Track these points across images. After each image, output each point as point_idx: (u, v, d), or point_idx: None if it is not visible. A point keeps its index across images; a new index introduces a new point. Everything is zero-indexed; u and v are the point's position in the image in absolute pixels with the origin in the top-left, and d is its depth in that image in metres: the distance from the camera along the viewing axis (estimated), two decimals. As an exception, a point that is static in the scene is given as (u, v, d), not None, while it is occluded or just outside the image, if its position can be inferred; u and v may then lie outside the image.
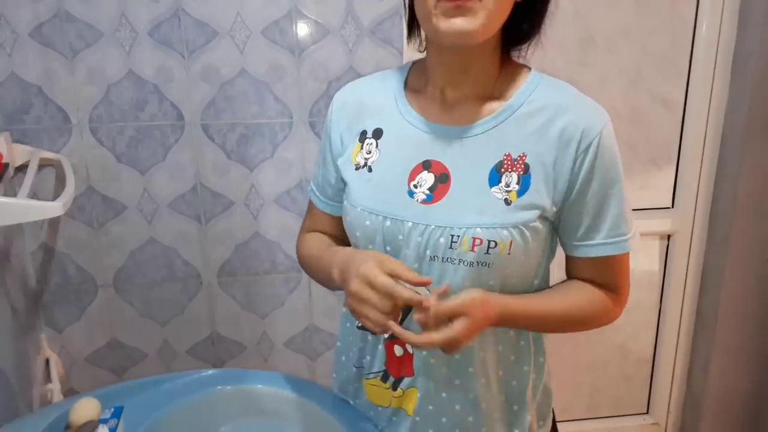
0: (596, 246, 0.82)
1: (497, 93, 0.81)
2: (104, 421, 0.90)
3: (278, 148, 1.51)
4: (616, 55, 1.62)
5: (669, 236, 1.81)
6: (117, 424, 0.90)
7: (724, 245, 1.71)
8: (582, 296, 0.85)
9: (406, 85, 0.87)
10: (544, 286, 0.88)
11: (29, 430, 0.93)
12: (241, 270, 1.58)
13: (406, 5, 0.85)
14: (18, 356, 1.29)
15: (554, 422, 0.98)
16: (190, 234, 1.54)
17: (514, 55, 0.84)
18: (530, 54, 0.84)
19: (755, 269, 1.71)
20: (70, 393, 1.56)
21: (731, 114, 1.66)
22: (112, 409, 0.93)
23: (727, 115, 1.68)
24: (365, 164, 0.85)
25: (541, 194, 0.77)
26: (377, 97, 0.88)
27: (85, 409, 0.89)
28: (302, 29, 1.44)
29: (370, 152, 0.85)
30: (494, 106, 0.80)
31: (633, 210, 1.94)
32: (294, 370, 1.67)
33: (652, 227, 1.79)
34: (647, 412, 1.99)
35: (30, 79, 1.37)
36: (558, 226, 0.83)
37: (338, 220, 0.92)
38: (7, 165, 1.27)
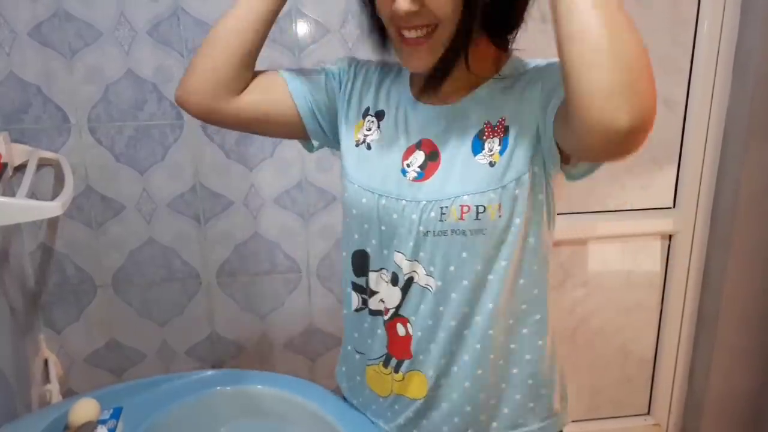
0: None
1: (481, 74, 0.81)
2: (103, 422, 0.90)
3: (278, 147, 1.50)
4: (617, 55, 1.62)
5: (670, 236, 1.80)
6: (116, 425, 0.90)
7: (726, 245, 1.71)
8: None
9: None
10: (543, 264, 0.84)
11: (28, 430, 0.92)
12: (240, 270, 1.58)
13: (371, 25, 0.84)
14: (17, 357, 1.29)
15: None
16: (189, 234, 1.53)
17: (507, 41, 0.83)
18: (525, 53, 0.83)
19: (757, 269, 1.71)
20: (69, 394, 1.56)
21: (733, 113, 1.66)
22: (111, 410, 0.93)
23: (728, 114, 1.67)
24: (364, 140, 0.87)
25: (521, 147, 0.77)
26: (386, 77, 0.90)
27: (84, 409, 0.89)
28: (302, 28, 1.44)
29: (370, 129, 0.87)
30: (478, 84, 0.81)
31: (634, 210, 1.94)
32: (293, 370, 1.67)
33: (654, 227, 1.78)
34: (648, 413, 1.98)
35: (29, 79, 1.37)
36: (552, 148, 0.77)
37: (289, 101, 0.89)
38: (5, 165, 1.26)
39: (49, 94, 1.38)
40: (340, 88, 0.92)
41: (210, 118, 0.88)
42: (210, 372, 1.07)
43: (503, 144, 0.77)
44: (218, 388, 1.02)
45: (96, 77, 1.39)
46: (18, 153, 1.33)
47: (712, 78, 1.66)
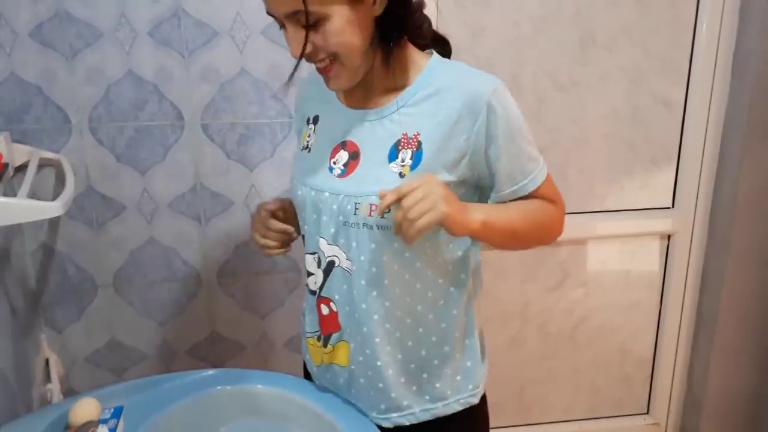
0: (519, 188, 0.90)
1: (403, 81, 0.91)
2: (104, 422, 0.90)
3: (278, 148, 1.50)
4: (616, 55, 1.62)
5: (669, 236, 1.81)
6: (117, 425, 0.90)
7: (725, 245, 1.71)
8: (532, 203, 0.92)
9: None
10: (462, 258, 0.95)
11: (29, 430, 0.93)
12: (240, 270, 1.58)
13: None
14: (18, 356, 1.29)
15: (484, 401, 1.03)
16: (190, 234, 1.53)
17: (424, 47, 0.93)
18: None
19: (756, 269, 1.71)
20: (70, 393, 1.56)
21: (731, 114, 1.66)
22: (112, 410, 0.93)
23: (727, 114, 1.67)
24: (307, 145, 0.99)
25: (432, 167, 0.86)
26: (321, 86, 0.97)
27: (85, 409, 0.89)
28: (302, 29, 1.44)
29: (310, 135, 1.00)
30: (400, 92, 0.91)
31: (632, 210, 1.94)
32: (294, 370, 1.65)
33: (652, 227, 1.78)
34: (647, 413, 1.99)
35: (30, 79, 1.37)
36: (482, 194, 0.94)
37: None
38: (6, 165, 1.26)
39: (50, 94, 1.39)
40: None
41: None
42: (210, 372, 1.07)
43: (415, 159, 0.87)
44: (218, 387, 1.02)
45: (97, 78, 1.39)
46: (19, 153, 1.33)
47: (710, 78, 1.66)
